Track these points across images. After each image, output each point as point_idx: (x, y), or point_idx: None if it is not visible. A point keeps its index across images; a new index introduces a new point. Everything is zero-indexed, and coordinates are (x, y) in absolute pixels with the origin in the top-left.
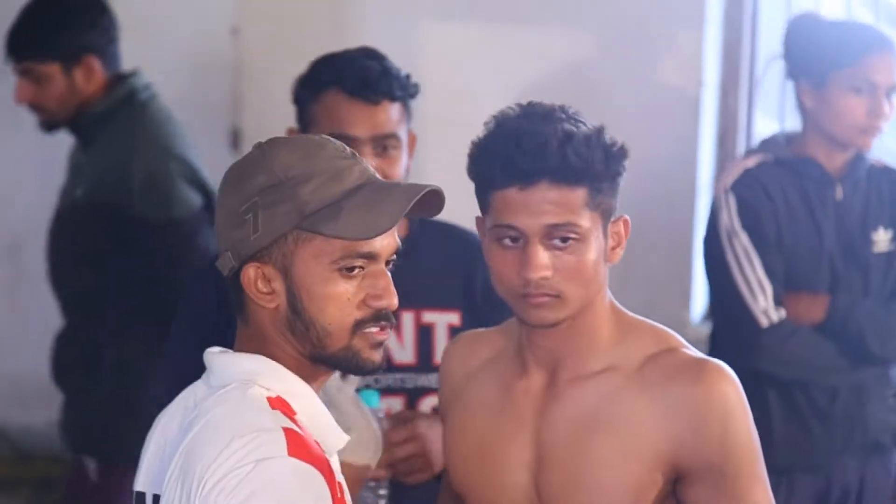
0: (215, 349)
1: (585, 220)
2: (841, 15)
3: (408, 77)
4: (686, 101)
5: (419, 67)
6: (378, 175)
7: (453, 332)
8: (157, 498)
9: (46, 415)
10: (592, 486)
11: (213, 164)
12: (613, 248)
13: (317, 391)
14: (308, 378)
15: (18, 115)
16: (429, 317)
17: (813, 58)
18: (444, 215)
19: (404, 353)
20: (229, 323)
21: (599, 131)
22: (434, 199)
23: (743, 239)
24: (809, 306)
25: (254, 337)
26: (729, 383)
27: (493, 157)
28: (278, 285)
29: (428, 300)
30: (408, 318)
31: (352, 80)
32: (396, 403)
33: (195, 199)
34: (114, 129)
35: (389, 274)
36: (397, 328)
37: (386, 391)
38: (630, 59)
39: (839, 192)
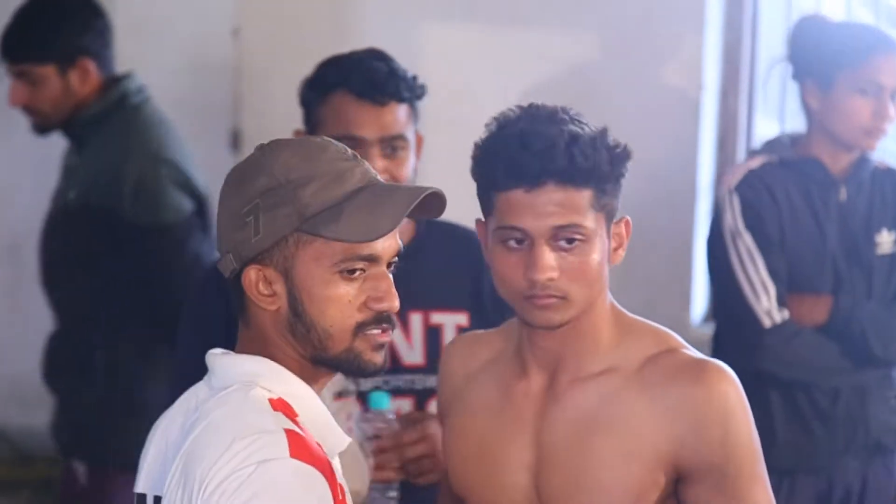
0: (217, 351)
1: (590, 222)
2: (841, 16)
3: (415, 78)
4: (686, 103)
5: (419, 68)
6: (385, 177)
7: (462, 333)
8: (158, 499)
9: (46, 416)
10: (593, 487)
11: (213, 166)
12: (615, 249)
13: (318, 393)
14: (309, 380)
15: (16, 116)
16: (437, 318)
17: (819, 59)
18: (444, 216)
19: (413, 354)
20: (233, 325)
21: (603, 133)
22: (435, 201)
23: (746, 239)
24: (812, 307)
25: (255, 339)
26: (729, 384)
27: (497, 158)
28: (279, 287)
29: (436, 301)
30: (416, 320)
31: (359, 81)
32: (406, 405)
33: (186, 205)
34: (107, 132)
35: (391, 276)
36: (406, 329)
37: (395, 392)
38: (630, 61)
39: (843, 194)
